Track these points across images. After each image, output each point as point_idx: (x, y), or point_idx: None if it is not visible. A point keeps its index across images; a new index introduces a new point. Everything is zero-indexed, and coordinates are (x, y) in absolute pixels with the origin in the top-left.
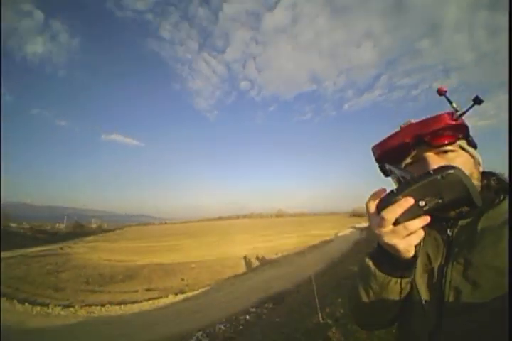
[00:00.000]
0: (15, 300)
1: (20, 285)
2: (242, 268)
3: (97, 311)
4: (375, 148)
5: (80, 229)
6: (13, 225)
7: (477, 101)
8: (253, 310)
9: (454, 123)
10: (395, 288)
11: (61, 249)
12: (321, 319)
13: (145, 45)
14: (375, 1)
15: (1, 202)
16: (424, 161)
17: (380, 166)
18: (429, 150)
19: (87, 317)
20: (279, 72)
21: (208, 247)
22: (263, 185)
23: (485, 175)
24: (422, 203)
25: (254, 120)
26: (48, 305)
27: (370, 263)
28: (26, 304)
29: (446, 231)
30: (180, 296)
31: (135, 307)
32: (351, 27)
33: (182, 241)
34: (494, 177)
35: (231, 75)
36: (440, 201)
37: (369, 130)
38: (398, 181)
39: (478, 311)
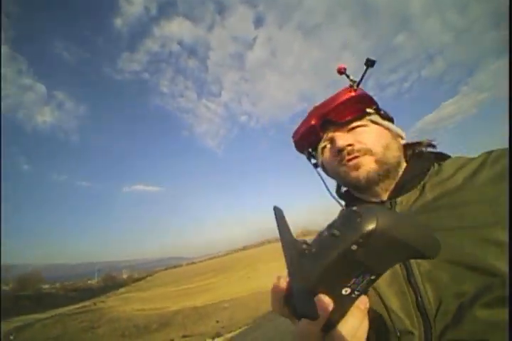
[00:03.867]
0: None
1: None
2: None
3: None
4: (292, 138)
5: (111, 282)
6: (46, 286)
7: (369, 63)
8: None
9: (353, 94)
10: None
11: (94, 304)
12: None
13: (149, 102)
14: (341, 13)
15: (34, 265)
16: (333, 141)
17: (306, 156)
18: (338, 130)
19: None
20: (272, 101)
21: (238, 282)
22: (282, 206)
23: (411, 145)
24: (345, 291)
25: (258, 147)
26: None
27: None
28: None
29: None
30: (218, 340)
31: None
32: (326, 43)
33: (211, 280)
34: (422, 145)
35: (230, 113)
36: (373, 277)
37: None
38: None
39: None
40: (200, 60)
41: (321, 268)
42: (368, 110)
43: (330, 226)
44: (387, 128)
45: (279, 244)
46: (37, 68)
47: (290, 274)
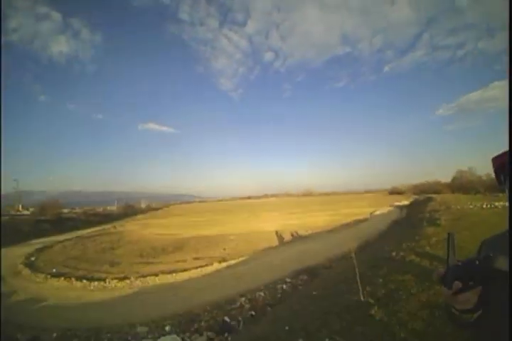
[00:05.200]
0: (73, 278)
1: (78, 264)
2: (274, 242)
3: (151, 280)
4: (494, 160)
5: (130, 210)
6: (66, 211)
7: None
8: (289, 280)
9: None
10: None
11: (114, 227)
12: (362, 297)
13: (165, 30)
14: None
15: (49, 192)
16: None
17: (496, 176)
18: None
19: (142, 287)
20: (305, 38)
21: (242, 222)
22: (292, 164)
23: None
24: (471, 282)
25: (280, 94)
26: (104, 280)
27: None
28: (84, 280)
29: None
30: (223, 264)
31: (185, 275)
32: None
33: (220, 217)
34: None
35: (254, 48)
36: (487, 284)
37: (414, 94)
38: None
39: None
40: None
41: (462, 273)
42: None
43: (474, 259)
44: None
45: (279, 199)
46: None
47: (446, 270)
